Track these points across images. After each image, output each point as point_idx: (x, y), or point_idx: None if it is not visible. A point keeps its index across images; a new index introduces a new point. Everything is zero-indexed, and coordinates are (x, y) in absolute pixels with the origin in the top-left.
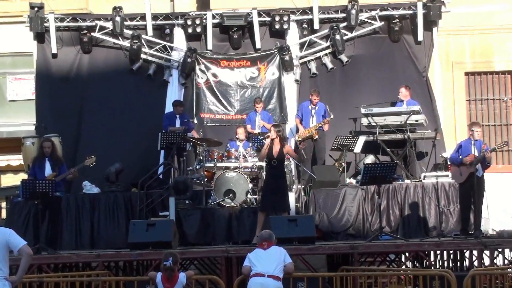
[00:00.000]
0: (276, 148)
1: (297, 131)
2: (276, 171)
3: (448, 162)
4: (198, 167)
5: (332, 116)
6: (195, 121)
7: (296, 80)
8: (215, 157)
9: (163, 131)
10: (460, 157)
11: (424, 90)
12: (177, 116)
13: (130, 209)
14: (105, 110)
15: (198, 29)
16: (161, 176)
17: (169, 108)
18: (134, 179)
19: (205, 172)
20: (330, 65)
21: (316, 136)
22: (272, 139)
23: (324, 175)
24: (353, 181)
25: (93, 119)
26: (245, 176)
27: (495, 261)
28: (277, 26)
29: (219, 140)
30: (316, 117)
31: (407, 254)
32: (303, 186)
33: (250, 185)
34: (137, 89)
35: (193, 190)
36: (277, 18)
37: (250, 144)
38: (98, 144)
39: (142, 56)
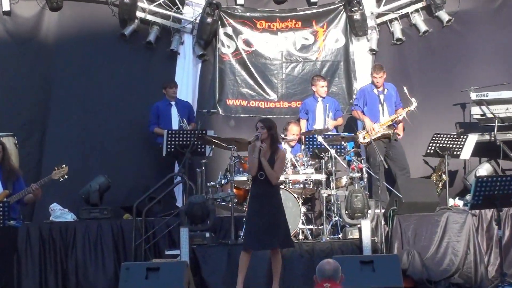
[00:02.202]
0: (265, 154)
1: (363, 127)
2: (264, 189)
3: None
4: (224, 182)
5: (415, 104)
6: (220, 111)
7: (372, 50)
8: None
9: (170, 129)
10: None
11: None
12: (172, 103)
13: (122, 246)
14: (83, 97)
15: None
16: (167, 196)
17: (179, 92)
18: (127, 201)
19: (234, 190)
20: (423, 27)
21: (398, 136)
22: (262, 141)
23: (415, 194)
24: (460, 202)
25: (65, 110)
26: (295, 195)
27: None
28: None
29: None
30: (387, 105)
31: None
32: (382, 210)
33: (303, 209)
34: (131, 64)
35: (215, 216)
36: None
37: (303, 147)
38: (73, 147)
39: (139, 14)
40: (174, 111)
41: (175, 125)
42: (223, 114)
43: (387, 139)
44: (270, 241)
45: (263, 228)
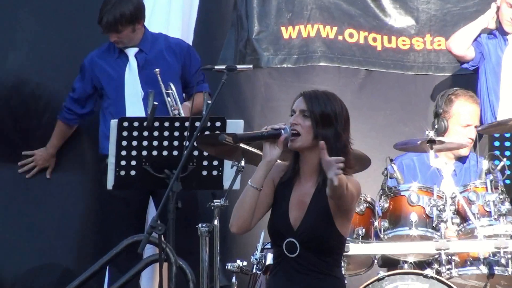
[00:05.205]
0: (301, 185)
1: None
2: (304, 278)
3: None
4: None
5: None
6: (262, 62)
7: None
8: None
9: (124, 117)
10: None
11: None
12: (128, 52)
13: None
14: None
15: None
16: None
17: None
18: None
19: None
20: None
21: None
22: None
23: None
24: None
25: None
26: None
27: None
28: None
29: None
30: None
31: None
32: None
33: None
34: None
35: None
36: None
37: (486, 165)
38: None
39: None
40: (132, 72)
41: (138, 108)
42: (269, 67)
43: None
44: None
45: None
